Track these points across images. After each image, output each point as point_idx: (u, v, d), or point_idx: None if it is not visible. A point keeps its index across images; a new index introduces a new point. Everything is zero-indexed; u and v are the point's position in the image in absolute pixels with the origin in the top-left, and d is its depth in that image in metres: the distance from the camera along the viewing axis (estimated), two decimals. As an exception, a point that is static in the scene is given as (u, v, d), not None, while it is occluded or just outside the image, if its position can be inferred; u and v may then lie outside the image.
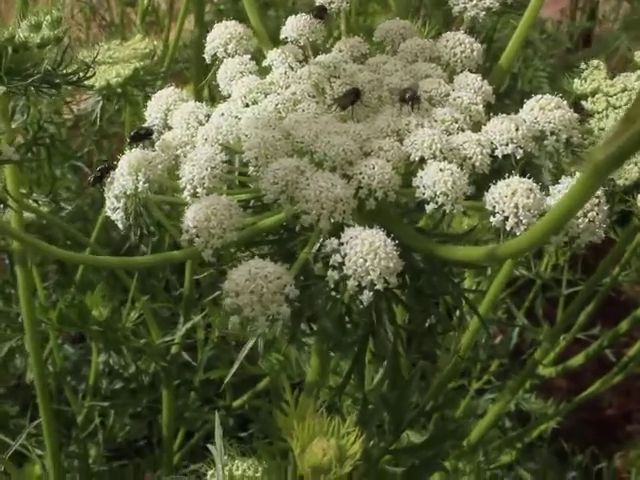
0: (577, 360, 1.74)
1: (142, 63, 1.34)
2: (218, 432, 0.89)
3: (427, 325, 0.93)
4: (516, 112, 0.87)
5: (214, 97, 1.38)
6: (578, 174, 0.78)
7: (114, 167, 0.85)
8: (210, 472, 1.01)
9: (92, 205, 2.23)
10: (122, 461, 2.08)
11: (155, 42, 1.39)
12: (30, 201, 1.33)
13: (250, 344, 0.87)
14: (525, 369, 1.45)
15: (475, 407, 1.95)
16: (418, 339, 0.95)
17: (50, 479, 1.50)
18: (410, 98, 0.85)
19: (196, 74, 1.29)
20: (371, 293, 0.72)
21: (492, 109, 0.88)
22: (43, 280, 1.77)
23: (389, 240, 0.73)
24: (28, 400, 1.93)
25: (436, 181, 0.77)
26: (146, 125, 0.92)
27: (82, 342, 2.08)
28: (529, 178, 0.78)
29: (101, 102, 1.34)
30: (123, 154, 0.85)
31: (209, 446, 0.88)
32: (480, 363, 2.03)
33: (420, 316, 0.91)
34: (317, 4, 1.00)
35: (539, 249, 2.03)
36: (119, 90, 1.31)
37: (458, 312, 0.91)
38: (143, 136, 0.92)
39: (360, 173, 0.79)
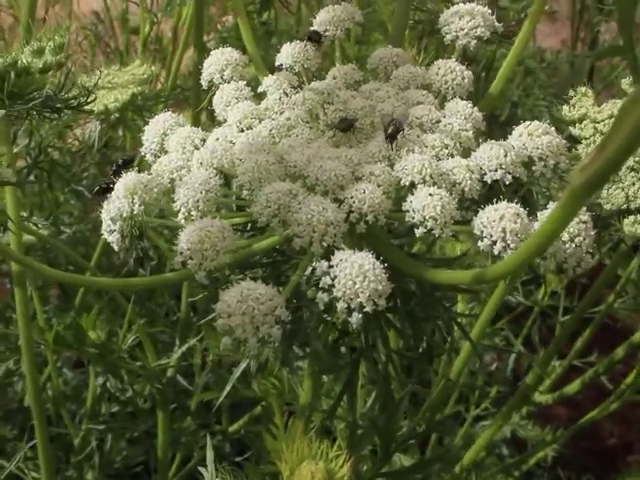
0: (573, 387, 1.74)
1: (140, 88, 1.36)
2: (210, 454, 0.90)
3: (420, 349, 0.94)
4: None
5: (214, 121, 1.40)
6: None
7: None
8: (201, 492, 1.02)
9: (94, 230, 2.24)
10: (120, 486, 2.08)
11: (153, 67, 1.40)
12: (31, 224, 1.34)
13: (243, 366, 0.88)
14: (518, 393, 1.46)
15: (473, 434, 1.95)
16: (411, 363, 0.95)
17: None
18: (392, 134, 0.86)
19: (195, 99, 1.30)
20: (360, 315, 0.73)
21: (493, 137, 0.89)
22: (44, 304, 1.78)
23: (378, 263, 0.74)
24: (26, 423, 1.93)
25: (425, 205, 0.79)
26: (125, 156, 0.94)
27: (82, 367, 2.08)
28: (525, 204, 0.80)
29: (99, 126, 1.36)
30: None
31: (200, 468, 0.89)
32: (478, 390, 2.03)
33: (413, 340, 0.92)
34: (315, 31, 1.03)
35: (536, 277, 2.05)
36: (117, 115, 1.32)
37: (449, 337, 0.92)
38: (123, 166, 0.93)
39: (351, 197, 0.80)
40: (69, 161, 2.02)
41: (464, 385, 1.92)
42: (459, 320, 0.92)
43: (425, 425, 1.00)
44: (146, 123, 1.43)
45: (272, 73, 1.02)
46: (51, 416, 1.94)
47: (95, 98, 1.10)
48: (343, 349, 0.95)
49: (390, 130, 0.86)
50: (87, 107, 1.10)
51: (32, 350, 1.23)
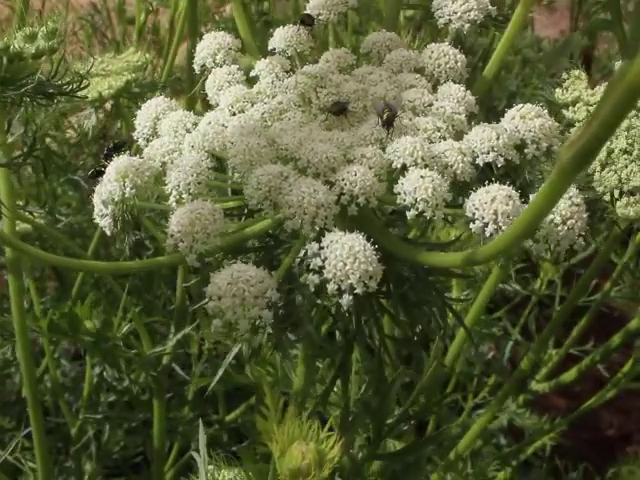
0: (570, 375, 1.74)
1: (134, 75, 1.36)
2: (202, 438, 0.90)
3: (414, 335, 0.94)
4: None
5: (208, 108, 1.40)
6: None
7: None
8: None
9: (91, 222, 2.23)
10: (118, 478, 2.08)
11: (147, 55, 1.40)
12: (26, 213, 1.34)
13: (235, 350, 0.88)
14: (513, 378, 1.46)
15: (470, 424, 1.95)
16: (407, 351, 0.95)
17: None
18: (388, 120, 0.86)
19: (188, 84, 1.30)
20: (351, 297, 0.73)
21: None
22: (41, 296, 1.79)
23: (369, 245, 0.74)
24: (24, 414, 1.93)
25: (417, 188, 0.78)
26: (117, 141, 0.93)
27: (80, 359, 2.08)
28: (520, 191, 0.80)
29: (94, 114, 1.36)
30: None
31: (193, 454, 0.89)
32: (475, 379, 2.03)
33: (406, 325, 0.92)
34: (307, 15, 1.02)
35: (533, 266, 2.05)
36: (111, 102, 1.32)
37: (443, 322, 0.92)
38: (114, 150, 0.93)
39: (342, 179, 0.80)
40: (66, 151, 2.02)
41: (461, 374, 1.92)
42: (453, 305, 0.92)
43: (418, 408, 1.00)
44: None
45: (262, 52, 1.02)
46: (49, 407, 1.95)
47: (88, 84, 1.10)
48: (337, 334, 0.95)
49: (386, 116, 0.86)
50: (81, 93, 1.10)
51: (26, 337, 1.23)
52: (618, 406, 2.02)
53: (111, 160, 0.86)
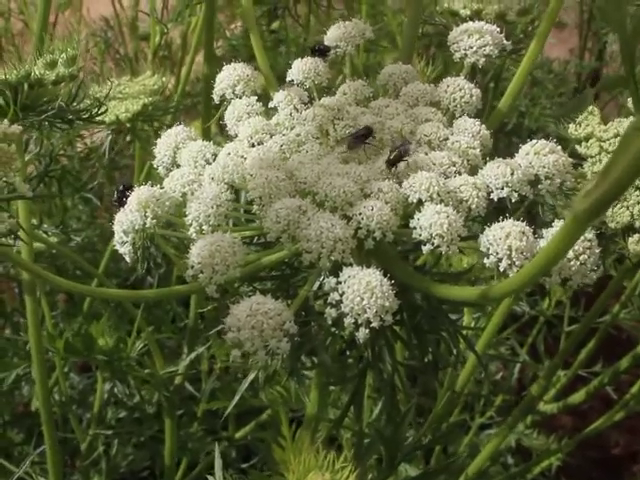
0: (578, 397, 1.75)
1: (151, 99, 1.37)
2: (218, 462, 0.91)
3: (426, 361, 0.95)
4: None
5: (223, 131, 1.42)
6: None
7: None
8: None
9: (101, 236, 2.26)
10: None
11: (164, 78, 1.42)
12: (40, 232, 1.36)
13: (251, 377, 0.89)
14: (523, 403, 1.47)
15: (477, 443, 1.96)
16: (417, 375, 0.97)
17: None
18: (393, 160, 0.87)
19: (205, 111, 1.32)
20: (367, 330, 0.74)
21: (499, 145, 0.90)
22: (51, 309, 1.80)
23: (385, 280, 0.76)
24: (33, 427, 1.95)
25: (432, 223, 0.80)
26: (123, 183, 0.95)
27: (89, 372, 2.10)
28: (531, 218, 0.81)
29: (110, 136, 1.38)
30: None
31: (209, 477, 0.91)
32: (483, 399, 2.04)
33: (418, 352, 0.94)
34: (322, 45, 1.04)
35: (542, 287, 2.05)
36: (128, 125, 1.34)
37: (455, 349, 0.93)
38: (321, 52, 0.99)
39: (359, 214, 0.81)
40: (78, 167, 2.04)
41: (469, 394, 1.93)
42: (464, 333, 0.94)
43: (431, 436, 1.01)
44: (155, 131, 1.46)
45: (281, 81, 1.04)
46: (57, 420, 1.96)
47: (107, 110, 1.12)
48: (350, 360, 0.97)
49: (393, 156, 0.88)
50: (98, 118, 1.12)
51: (43, 359, 1.24)
52: (624, 425, 2.02)
53: (122, 204, 0.88)
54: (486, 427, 2.05)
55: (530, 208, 0.91)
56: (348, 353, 0.93)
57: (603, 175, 0.50)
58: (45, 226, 1.37)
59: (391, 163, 0.88)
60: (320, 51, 1.03)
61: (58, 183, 1.40)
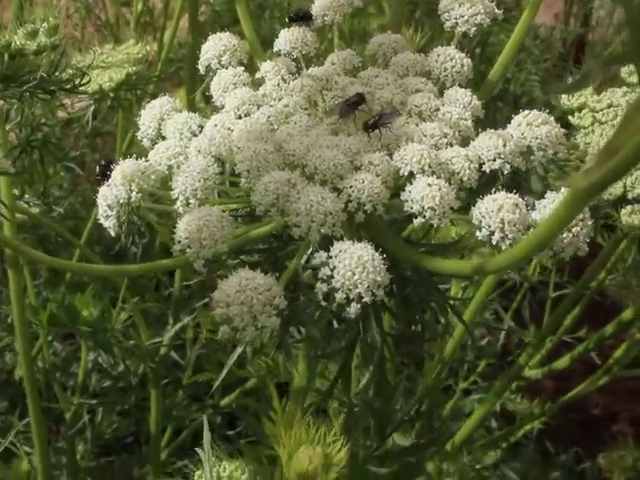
0: (562, 362, 1.76)
1: (135, 68, 1.35)
2: (206, 435, 0.91)
3: (413, 331, 0.95)
4: (508, 114, 0.89)
5: (208, 101, 1.39)
6: (561, 196, 0.80)
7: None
8: (197, 473, 1.03)
9: (84, 203, 2.24)
10: (109, 457, 2.09)
11: (148, 47, 1.39)
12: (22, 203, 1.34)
13: (239, 351, 0.89)
14: (510, 371, 1.47)
15: (461, 407, 1.97)
16: (404, 345, 0.96)
17: (38, 476, 1.52)
18: (370, 125, 0.86)
19: (189, 81, 1.29)
20: (358, 305, 0.74)
21: (485, 111, 0.89)
22: (33, 278, 1.78)
23: (377, 254, 0.75)
24: (17, 396, 1.94)
25: (424, 196, 0.79)
26: (105, 159, 0.93)
27: (71, 339, 2.09)
28: (518, 186, 0.80)
29: (93, 106, 1.35)
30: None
31: (197, 449, 0.90)
32: (467, 364, 2.05)
33: (407, 323, 0.93)
34: (301, 12, 1.02)
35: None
36: (111, 94, 1.31)
37: (444, 319, 0.93)
38: (301, 19, 0.96)
39: (350, 187, 0.80)
40: (58, 134, 2.00)
41: (454, 360, 1.93)
42: (453, 303, 0.93)
43: (418, 406, 1.02)
44: (139, 100, 1.43)
45: (264, 46, 1.02)
46: (40, 387, 1.95)
47: (89, 80, 1.10)
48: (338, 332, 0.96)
49: (372, 121, 0.86)
50: (81, 88, 1.09)
51: (26, 330, 1.23)
52: (605, 386, 2.04)
53: (106, 179, 0.86)
54: (469, 391, 2.06)
55: (515, 176, 0.90)
56: (336, 326, 0.92)
57: (606, 152, 0.49)
58: (27, 197, 1.35)
59: (368, 127, 0.86)
60: (301, 19, 1.01)
61: (40, 152, 1.38)
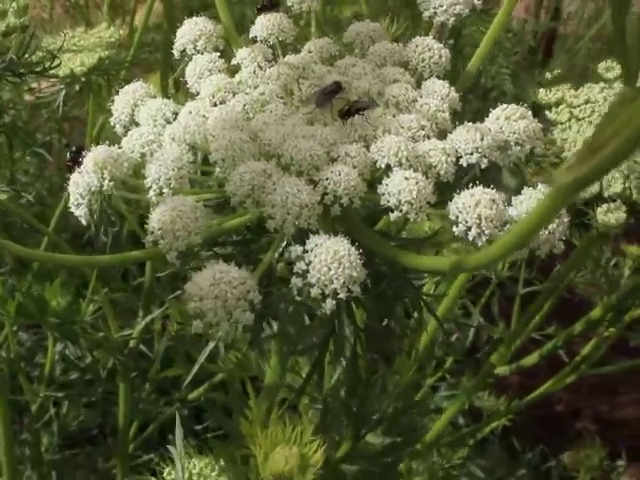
0: (531, 359, 1.76)
1: (107, 52, 1.32)
2: (179, 432, 0.89)
3: (386, 327, 0.94)
4: (478, 107, 0.88)
5: (178, 87, 1.37)
6: (538, 193, 0.79)
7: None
8: (167, 470, 1.01)
9: (50, 190, 2.20)
10: (74, 450, 2.07)
11: (121, 31, 1.37)
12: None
13: (211, 346, 0.87)
14: (481, 371, 1.47)
15: (429, 403, 1.97)
16: (375, 341, 0.95)
17: (3, 469, 1.49)
18: (345, 112, 0.85)
19: (163, 66, 1.27)
20: (334, 301, 0.72)
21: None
22: (0, 266, 1.75)
23: (353, 249, 0.73)
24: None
25: (401, 190, 0.78)
26: (75, 146, 0.90)
27: (36, 327, 2.05)
28: (490, 180, 0.80)
29: (64, 90, 1.32)
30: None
31: (170, 448, 0.88)
32: (435, 359, 2.04)
33: (379, 318, 0.92)
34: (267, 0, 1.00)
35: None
36: (83, 79, 1.29)
37: (417, 315, 0.92)
38: (268, 7, 0.95)
39: (326, 179, 0.79)
40: (25, 117, 1.97)
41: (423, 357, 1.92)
42: (426, 299, 0.92)
43: (396, 410, 1.01)
44: (109, 85, 1.41)
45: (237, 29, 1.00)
46: (4, 377, 1.91)
47: (60, 63, 1.07)
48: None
49: (346, 109, 0.85)
50: (52, 71, 1.07)
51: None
52: (568, 383, 2.04)
53: (76, 166, 0.84)
54: (436, 388, 2.05)
55: (486, 171, 0.89)
56: (308, 321, 0.91)
57: (589, 148, 0.48)
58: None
59: (343, 114, 0.85)
60: (268, 8, 0.99)
61: (8, 138, 1.35)
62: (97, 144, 0.85)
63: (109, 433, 2.04)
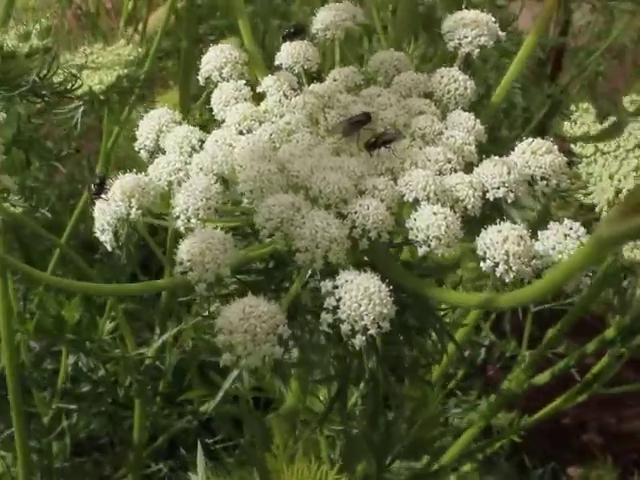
0: (543, 378, 1.76)
1: (126, 70, 1.32)
2: (200, 458, 0.89)
3: (410, 356, 0.94)
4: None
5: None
6: (564, 228, 0.79)
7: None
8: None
9: (60, 196, 2.20)
10: (82, 457, 2.07)
11: (140, 49, 1.36)
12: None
13: (235, 374, 0.87)
14: (498, 394, 1.47)
15: (438, 416, 1.96)
16: (399, 371, 0.96)
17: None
18: (371, 144, 0.85)
19: (183, 89, 1.27)
20: (364, 337, 0.72)
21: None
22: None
23: (384, 286, 0.74)
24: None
25: (430, 225, 0.78)
26: (99, 175, 0.90)
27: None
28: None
29: (82, 107, 1.32)
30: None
31: (191, 475, 0.89)
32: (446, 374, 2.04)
33: (405, 349, 0.92)
34: (297, 26, 1.00)
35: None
36: (102, 97, 1.29)
37: (441, 345, 0.92)
38: (295, 34, 0.96)
39: (355, 213, 0.79)
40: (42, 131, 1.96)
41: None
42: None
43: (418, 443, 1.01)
44: (127, 104, 1.40)
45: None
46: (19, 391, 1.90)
47: (82, 84, 1.08)
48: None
49: (372, 140, 0.86)
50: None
51: (12, 341, 1.20)
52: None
53: (100, 196, 0.84)
54: (444, 402, 2.05)
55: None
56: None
57: (629, 204, 0.49)
58: (11, 198, 1.32)
59: (369, 146, 0.85)
60: (295, 35, 1.00)
61: (26, 153, 1.35)
62: (109, 158, 0.85)
63: (118, 442, 2.04)
